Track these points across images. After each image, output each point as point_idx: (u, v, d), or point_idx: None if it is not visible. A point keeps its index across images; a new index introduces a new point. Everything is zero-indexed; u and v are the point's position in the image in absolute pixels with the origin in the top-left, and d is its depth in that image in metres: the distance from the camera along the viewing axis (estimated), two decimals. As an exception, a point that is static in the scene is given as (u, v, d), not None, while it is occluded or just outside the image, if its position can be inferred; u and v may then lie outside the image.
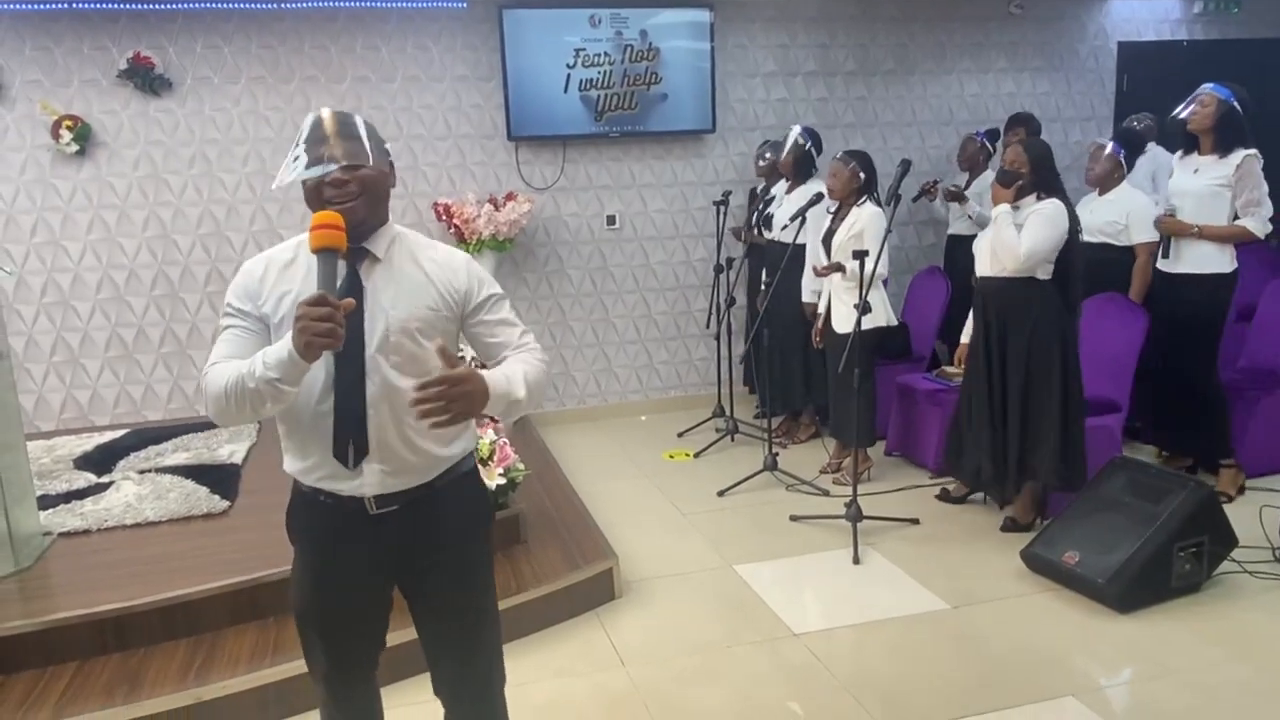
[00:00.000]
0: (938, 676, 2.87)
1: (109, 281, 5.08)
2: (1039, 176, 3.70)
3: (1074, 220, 3.70)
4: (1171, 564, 3.21)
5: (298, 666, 2.75)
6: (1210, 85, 3.94)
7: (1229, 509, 3.44)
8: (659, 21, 5.46)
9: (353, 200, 1.74)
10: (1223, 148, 3.92)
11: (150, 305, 5.14)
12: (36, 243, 4.96)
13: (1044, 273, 3.70)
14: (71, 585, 3.11)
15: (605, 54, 5.41)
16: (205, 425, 4.78)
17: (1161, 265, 4.17)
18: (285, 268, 1.82)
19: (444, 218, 5.17)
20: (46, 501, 3.69)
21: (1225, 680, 2.77)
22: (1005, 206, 3.69)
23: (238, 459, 4.26)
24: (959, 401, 4.04)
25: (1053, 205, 3.65)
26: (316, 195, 1.75)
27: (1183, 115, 4.01)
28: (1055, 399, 3.70)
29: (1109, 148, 4.61)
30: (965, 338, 4.07)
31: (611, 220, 5.73)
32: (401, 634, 2.39)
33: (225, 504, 3.71)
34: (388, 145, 1.88)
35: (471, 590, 1.98)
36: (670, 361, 5.99)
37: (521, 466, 3.58)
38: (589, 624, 3.27)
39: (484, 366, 1.88)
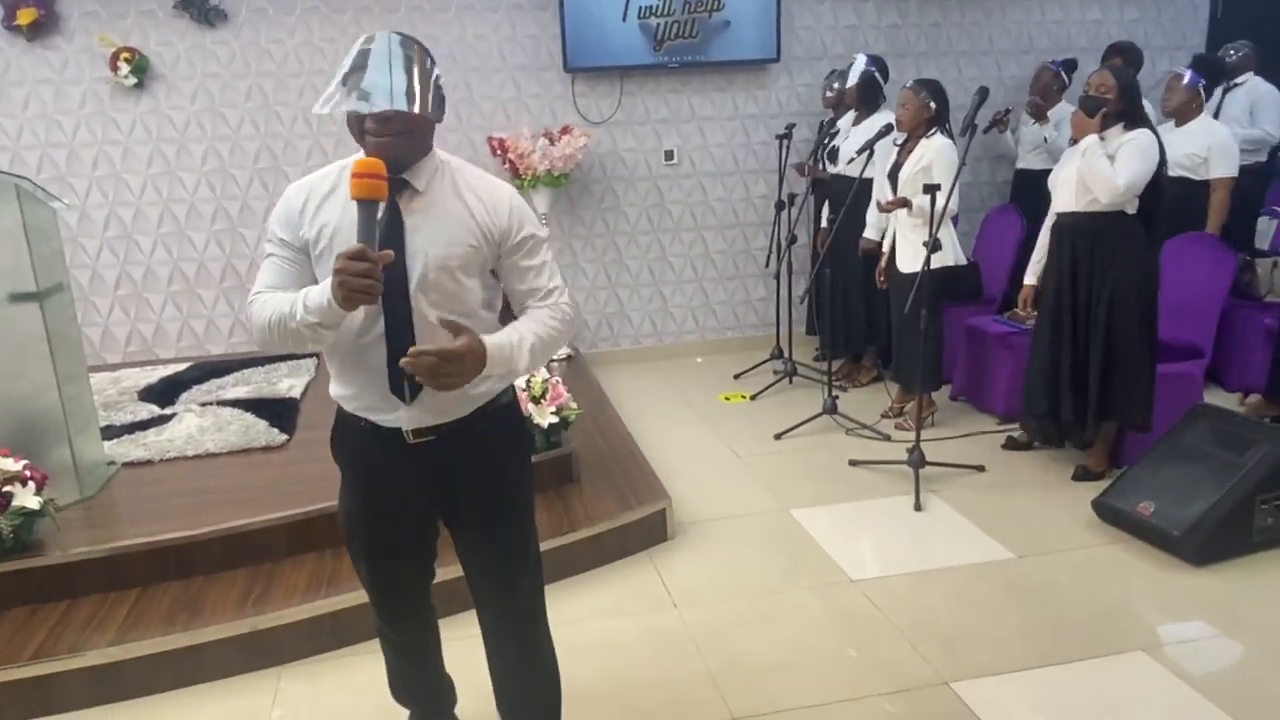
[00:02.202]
0: (1001, 627, 2.78)
1: (169, 216, 5.12)
2: (1126, 105, 3.47)
3: (1163, 152, 3.47)
4: (1253, 518, 3.05)
5: (353, 598, 2.80)
6: None
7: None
8: (722, -56, 5.23)
9: (393, 137, 1.67)
10: None
11: (211, 240, 5.17)
12: (98, 176, 5.01)
13: (1131, 207, 3.50)
14: (134, 514, 3.18)
15: (666, -22, 5.21)
16: (265, 359, 4.84)
17: None
18: (326, 198, 1.77)
19: (499, 152, 5.08)
20: (111, 432, 3.77)
21: (1311, 640, 2.64)
22: (1094, 137, 3.47)
23: (296, 393, 4.30)
24: (1033, 343, 3.86)
25: (1145, 135, 3.44)
26: (358, 125, 1.70)
27: None
28: (1141, 337, 3.54)
29: (1187, 77, 4.33)
30: (1030, 278, 3.88)
31: (669, 155, 5.57)
32: (449, 570, 2.40)
33: (284, 437, 3.75)
34: (439, 76, 1.77)
35: (510, 520, 1.97)
36: (728, 302, 5.86)
37: (574, 406, 3.54)
38: (641, 564, 3.24)
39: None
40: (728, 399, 4.98)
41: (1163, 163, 3.47)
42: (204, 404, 4.17)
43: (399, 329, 1.75)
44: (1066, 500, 3.57)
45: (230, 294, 5.26)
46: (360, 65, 1.67)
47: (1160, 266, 3.61)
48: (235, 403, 4.15)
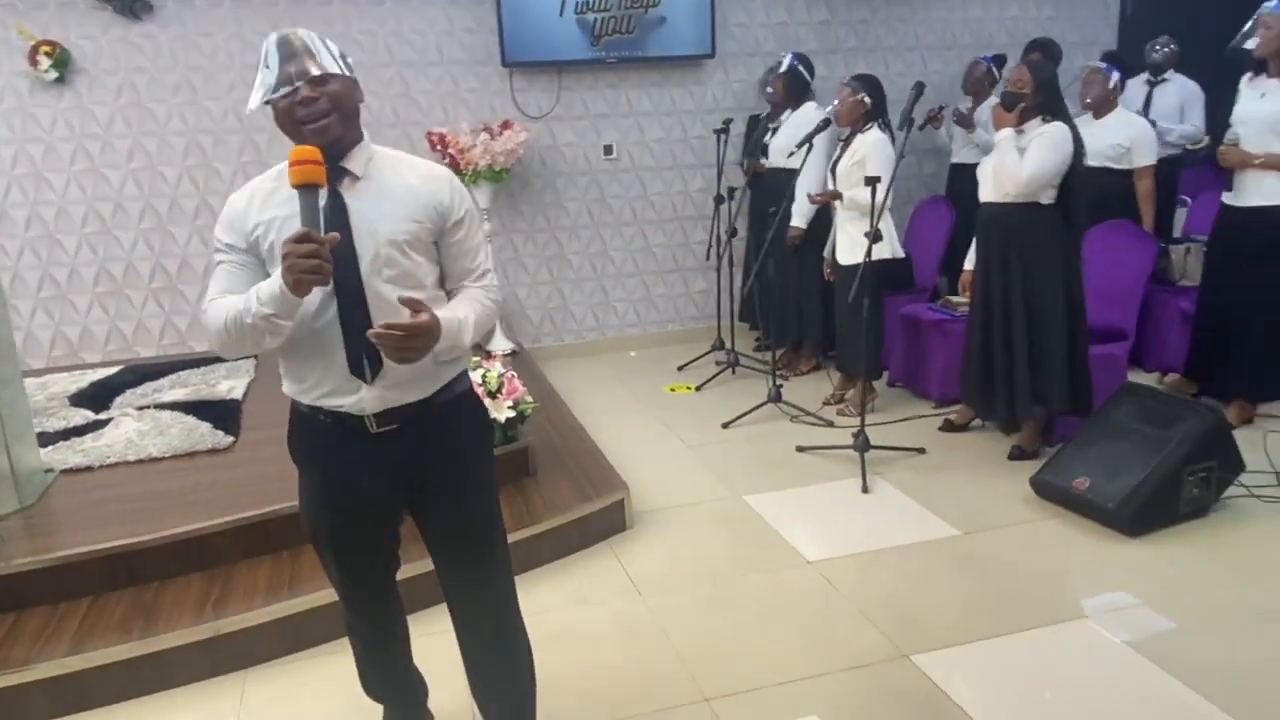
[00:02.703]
0: (951, 601, 2.90)
1: (94, 215, 4.94)
2: (1043, 98, 3.62)
3: (1079, 144, 3.62)
4: (1181, 489, 3.24)
5: (316, 599, 2.78)
6: (1273, 4, 3.68)
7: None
8: (657, -59, 5.28)
9: (325, 118, 1.72)
10: None
11: (139, 239, 5.01)
12: (18, 174, 4.81)
13: (1047, 197, 3.64)
14: (78, 522, 3.07)
15: (602, -26, 5.24)
16: (201, 361, 4.72)
17: (1226, 199, 3.96)
18: (269, 196, 1.80)
19: (439, 147, 5.04)
20: (45, 439, 3.63)
21: (1235, 602, 2.81)
22: (1009, 130, 3.62)
23: (238, 394, 4.20)
24: (966, 330, 4.01)
25: (1057, 128, 3.57)
26: (289, 118, 1.73)
27: (1248, 45, 3.72)
28: (1061, 324, 3.69)
29: (1104, 71, 4.54)
30: (969, 264, 4.03)
31: (609, 150, 5.61)
32: (414, 567, 2.41)
33: (230, 439, 3.67)
34: (379, 72, 1.84)
35: (477, 501, 2.00)
36: (669, 295, 5.93)
37: (530, 399, 3.55)
38: (602, 554, 3.27)
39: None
40: (673, 390, 5.04)
41: (1078, 154, 3.62)
42: (141, 408, 4.05)
43: (354, 310, 1.77)
44: (1005, 478, 3.73)
45: (160, 294, 5.11)
46: (275, 57, 1.72)
47: (1080, 254, 3.77)
48: (174, 405, 4.04)
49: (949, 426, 4.28)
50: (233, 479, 3.34)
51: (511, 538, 2.14)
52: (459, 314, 1.82)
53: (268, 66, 1.73)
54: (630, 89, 5.57)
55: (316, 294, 1.73)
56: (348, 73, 1.77)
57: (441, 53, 5.25)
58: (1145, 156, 4.35)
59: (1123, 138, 4.39)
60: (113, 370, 4.68)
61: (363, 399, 1.82)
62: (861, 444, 3.82)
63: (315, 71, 1.70)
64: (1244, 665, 2.50)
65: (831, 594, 2.97)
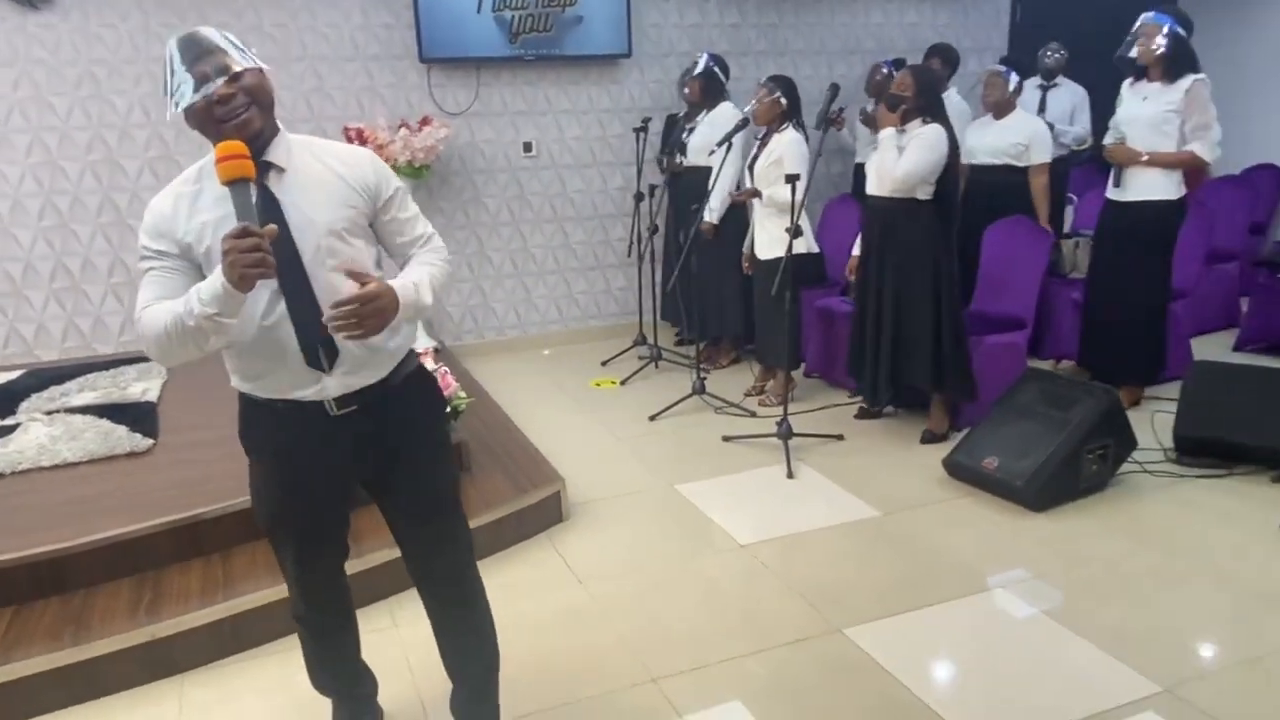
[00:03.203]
0: (877, 577, 3.05)
1: (-11, 212, 4.71)
2: (923, 101, 3.86)
3: (954, 144, 3.87)
4: (1081, 466, 3.48)
5: (254, 599, 2.76)
6: (1151, 15, 3.95)
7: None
8: (573, -60, 5.33)
9: (245, 112, 1.72)
10: (1171, 74, 3.94)
11: (38, 237, 4.79)
12: (-96, 170, 4.55)
13: (924, 193, 3.87)
14: (-7, 530, 2.96)
15: (519, -28, 5.26)
16: (108, 363, 4.56)
17: (1111, 194, 4.22)
18: (195, 199, 1.78)
19: (356, 142, 4.97)
20: (-53, 446, 3.47)
21: (1135, 567, 3.05)
22: (890, 130, 3.86)
23: (152, 396, 4.08)
24: (854, 314, 4.24)
25: (933, 130, 3.82)
26: (208, 117, 1.71)
27: (1132, 55, 3.99)
28: (929, 310, 3.92)
29: (1004, 74, 4.82)
30: (856, 250, 4.26)
31: (528, 147, 5.63)
32: (356, 564, 2.42)
33: (149, 442, 3.56)
34: (292, 66, 1.87)
35: (439, 472, 2.06)
36: (590, 291, 5.99)
37: (464, 395, 3.57)
38: (541, 546, 3.32)
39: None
40: (598, 385, 5.11)
41: (954, 154, 3.86)
42: (50, 412, 3.89)
43: (302, 304, 1.78)
44: (919, 461, 3.93)
45: (62, 294, 4.89)
46: (187, 60, 1.70)
47: (954, 247, 3.99)
48: (86, 409, 3.89)
49: (864, 413, 4.47)
50: (156, 482, 3.25)
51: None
52: (412, 278, 1.87)
53: (174, 71, 1.70)
54: (549, 87, 5.60)
55: (262, 292, 1.73)
56: (257, 64, 1.77)
57: (357, 47, 5.18)
58: (1041, 155, 4.64)
59: (1021, 137, 4.67)
60: (14, 375, 4.47)
61: (324, 387, 1.84)
62: (785, 432, 3.97)
63: (232, 67, 1.69)
64: (1142, 624, 2.72)
65: (764, 575, 3.09)
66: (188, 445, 3.53)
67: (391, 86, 5.28)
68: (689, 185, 4.93)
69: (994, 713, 2.37)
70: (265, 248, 1.58)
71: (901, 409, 4.44)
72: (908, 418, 4.37)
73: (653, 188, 5.08)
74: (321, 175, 1.82)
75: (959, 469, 3.70)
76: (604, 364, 5.41)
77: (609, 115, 5.77)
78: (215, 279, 1.63)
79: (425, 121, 5.08)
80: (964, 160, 5.02)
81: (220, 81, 1.67)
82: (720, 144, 4.45)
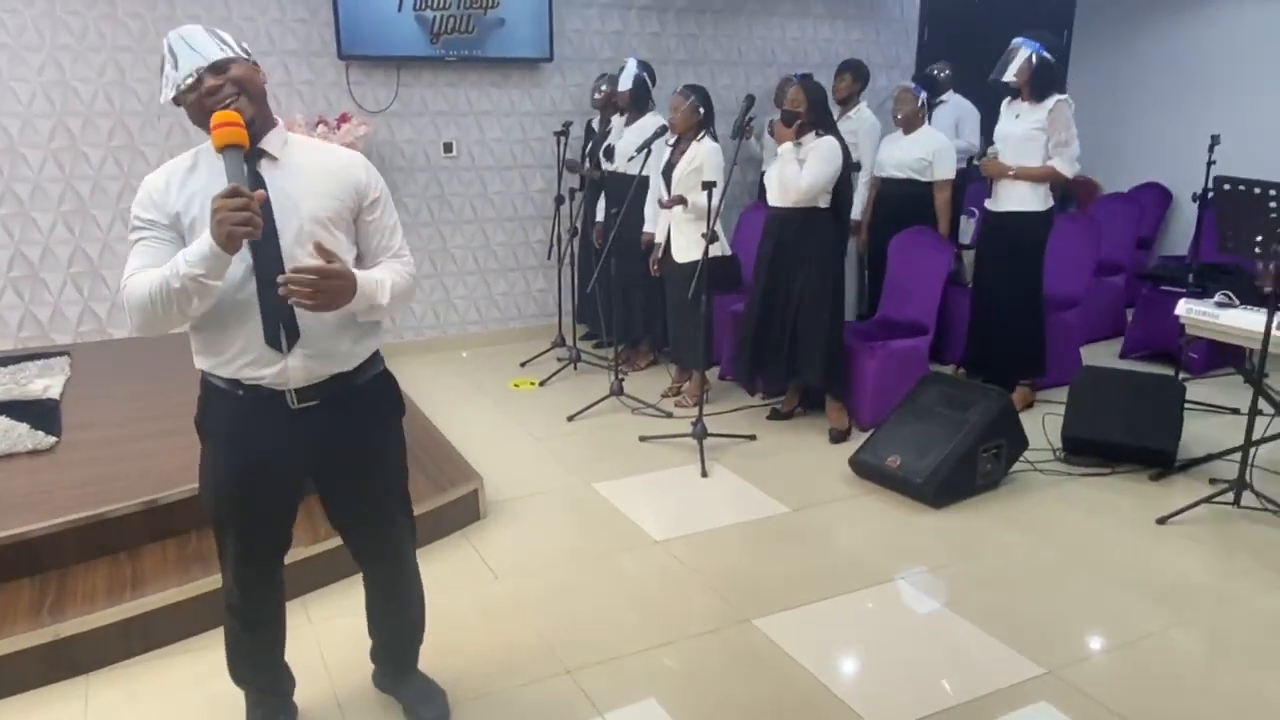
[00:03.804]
0: (786, 570, 3.17)
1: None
2: (816, 115, 4.07)
3: (847, 155, 4.11)
4: (976, 464, 3.67)
5: (162, 599, 2.74)
6: (1020, 40, 4.22)
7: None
8: (496, -56, 5.36)
9: (234, 101, 1.79)
10: (1037, 95, 4.22)
11: None
12: None
13: (824, 201, 4.12)
14: (-117, 529, 2.84)
15: (441, -27, 5.27)
16: (7, 359, 4.38)
17: (988, 205, 4.49)
18: (188, 173, 1.86)
19: (272, 139, 4.91)
20: None
21: (1028, 560, 3.24)
22: (789, 144, 4.05)
23: (54, 393, 3.94)
24: (745, 310, 4.45)
25: (827, 143, 4.02)
26: (200, 109, 1.79)
27: (1005, 78, 4.23)
28: (825, 311, 4.16)
29: (914, 90, 5.04)
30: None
31: (448, 148, 5.63)
32: (299, 551, 2.42)
33: (52, 439, 3.45)
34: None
35: (386, 481, 2.16)
36: (509, 293, 6.01)
37: (382, 393, 3.56)
38: (458, 544, 3.35)
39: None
40: (517, 386, 5.14)
41: (847, 164, 4.10)
42: (-57, 409, 3.74)
43: (272, 285, 1.82)
44: (826, 460, 4.09)
45: (18, 283, 4.69)
46: (179, 52, 1.78)
47: (846, 252, 4.26)
48: (-17, 406, 3.76)
49: (775, 415, 4.62)
50: (60, 479, 3.16)
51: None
52: (376, 274, 1.93)
53: (175, 65, 1.78)
54: (470, 88, 5.61)
55: (239, 266, 1.79)
56: (247, 57, 1.84)
57: (273, 41, 5.11)
58: (945, 170, 4.86)
59: (927, 152, 4.89)
60: (-99, 370, 4.27)
61: (286, 368, 1.88)
62: (699, 432, 4.07)
63: (217, 57, 1.77)
64: (1030, 612, 2.90)
65: (678, 569, 3.18)
66: (92, 443, 3.44)
67: (309, 83, 5.22)
68: (612, 190, 4.99)
69: (893, 696, 2.50)
70: (254, 209, 1.66)
71: (811, 411, 4.60)
72: (817, 419, 4.53)
73: (573, 190, 5.14)
74: (313, 167, 1.89)
75: (864, 467, 3.86)
76: (523, 365, 5.44)
77: (530, 118, 5.81)
78: (204, 241, 1.70)
79: (344, 119, 5.04)
80: (874, 173, 5.25)
81: (207, 73, 1.76)
82: (639, 150, 4.53)
